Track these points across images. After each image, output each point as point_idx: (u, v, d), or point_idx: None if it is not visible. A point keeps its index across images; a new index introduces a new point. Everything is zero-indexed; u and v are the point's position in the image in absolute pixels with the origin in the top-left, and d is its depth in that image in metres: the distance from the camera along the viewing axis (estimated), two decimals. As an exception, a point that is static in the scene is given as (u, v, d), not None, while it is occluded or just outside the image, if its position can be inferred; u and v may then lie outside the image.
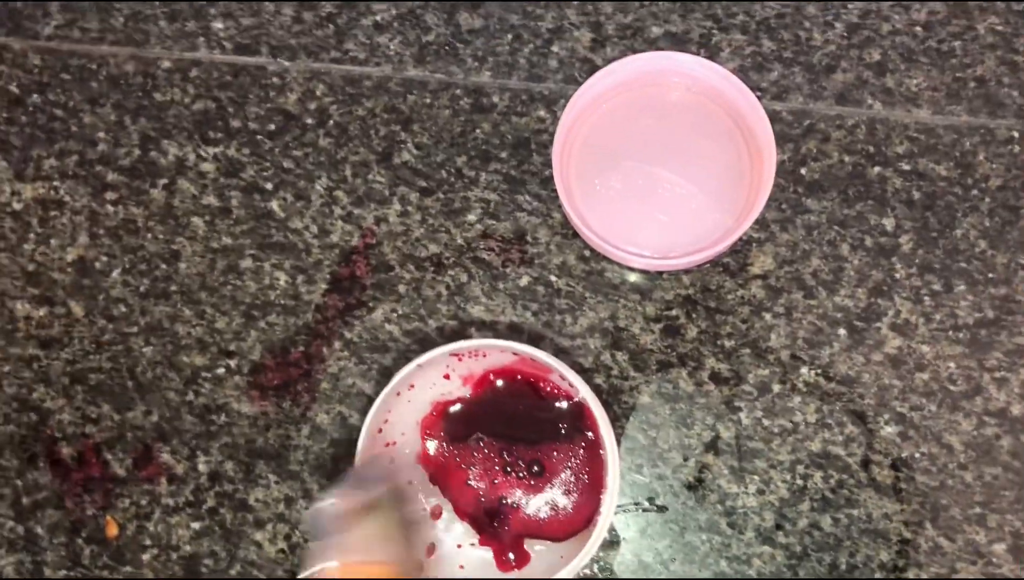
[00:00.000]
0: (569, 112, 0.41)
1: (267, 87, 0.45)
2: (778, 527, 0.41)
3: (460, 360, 0.38)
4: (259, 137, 0.44)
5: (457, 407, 0.39)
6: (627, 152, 0.42)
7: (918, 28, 0.44)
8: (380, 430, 0.38)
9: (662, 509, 0.41)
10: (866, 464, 0.41)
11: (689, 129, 0.43)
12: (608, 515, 0.36)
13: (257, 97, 0.45)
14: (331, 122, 0.45)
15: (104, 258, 0.44)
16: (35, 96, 0.46)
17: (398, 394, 0.37)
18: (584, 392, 0.36)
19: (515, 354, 0.37)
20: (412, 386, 0.38)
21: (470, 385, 0.39)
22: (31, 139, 0.45)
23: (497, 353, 0.37)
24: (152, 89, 0.46)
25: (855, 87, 0.44)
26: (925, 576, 0.40)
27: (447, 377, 0.39)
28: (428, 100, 0.45)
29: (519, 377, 0.39)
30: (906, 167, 0.43)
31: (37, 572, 0.42)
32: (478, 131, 0.45)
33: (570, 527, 0.38)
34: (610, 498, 0.35)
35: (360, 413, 0.42)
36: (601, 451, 0.37)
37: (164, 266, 0.44)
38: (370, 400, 0.42)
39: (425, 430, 0.39)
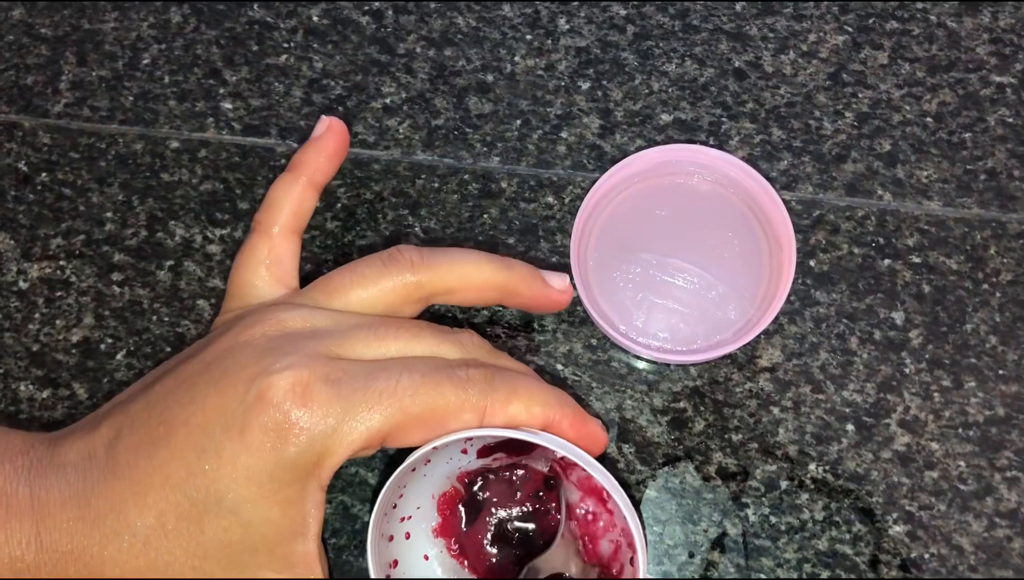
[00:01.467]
0: (586, 207, 0.42)
1: (276, 169, 0.46)
2: (785, 628, 0.41)
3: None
4: (266, 221, 0.45)
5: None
6: (645, 244, 0.43)
7: (929, 119, 0.45)
8: (395, 505, 0.38)
9: (667, 607, 0.41)
10: (874, 564, 0.41)
11: (707, 220, 0.44)
12: None
13: (265, 179, 0.46)
14: (339, 205, 0.46)
15: (109, 340, 0.44)
16: (43, 174, 0.47)
17: (413, 470, 0.37)
18: (626, 511, 0.35)
19: (540, 446, 0.36)
20: (428, 461, 0.38)
21: (485, 457, 0.39)
22: (39, 218, 0.46)
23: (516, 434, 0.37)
24: (160, 169, 0.46)
25: (865, 177, 0.45)
26: None
27: (464, 451, 0.39)
28: (436, 184, 0.46)
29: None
30: (916, 260, 0.44)
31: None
32: (486, 216, 0.45)
33: None
34: None
35: (362, 502, 0.43)
36: None
37: (169, 349, 0.44)
38: (373, 489, 0.43)
39: (443, 508, 0.40)
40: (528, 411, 0.35)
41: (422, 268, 0.37)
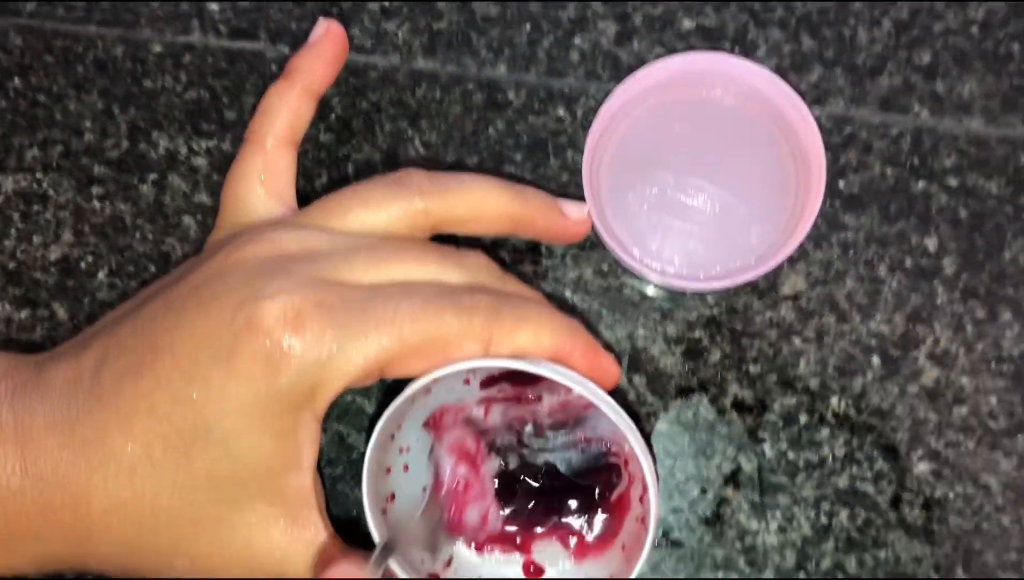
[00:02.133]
0: (599, 121, 0.39)
1: (265, 76, 0.43)
2: (799, 567, 0.39)
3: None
4: (256, 132, 0.42)
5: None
6: (663, 162, 0.40)
7: (974, 28, 0.42)
8: (392, 436, 0.36)
9: (677, 544, 0.40)
10: (896, 503, 0.39)
11: (730, 137, 0.41)
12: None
13: (254, 87, 0.43)
14: (333, 116, 0.43)
15: (90, 258, 0.42)
16: (16, 79, 0.44)
17: (412, 400, 0.35)
18: (634, 443, 0.33)
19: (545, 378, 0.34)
20: (428, 392, 0.36)
21: (489, 387, 0.37)
22: (12, 127, 0.43)
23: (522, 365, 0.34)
24: (142, 75, 0.43)
25: (901, 92, 0.42)
26: (954, 625, 0.38)
27: (467, 382, 0.37)
28: (438, 94, 0.43)
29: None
30: (953, 182, 0.41)
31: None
32: (491, 130, 0.42)
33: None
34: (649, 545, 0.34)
35: (359, 431, 0.41)
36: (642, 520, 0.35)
37: (153, 268, 0.42)
38: (370, 418, 0.41)
39: (433, 428, 0.38)
40: (536, 340, 0.33)
41: (432, 194, 0.35)
